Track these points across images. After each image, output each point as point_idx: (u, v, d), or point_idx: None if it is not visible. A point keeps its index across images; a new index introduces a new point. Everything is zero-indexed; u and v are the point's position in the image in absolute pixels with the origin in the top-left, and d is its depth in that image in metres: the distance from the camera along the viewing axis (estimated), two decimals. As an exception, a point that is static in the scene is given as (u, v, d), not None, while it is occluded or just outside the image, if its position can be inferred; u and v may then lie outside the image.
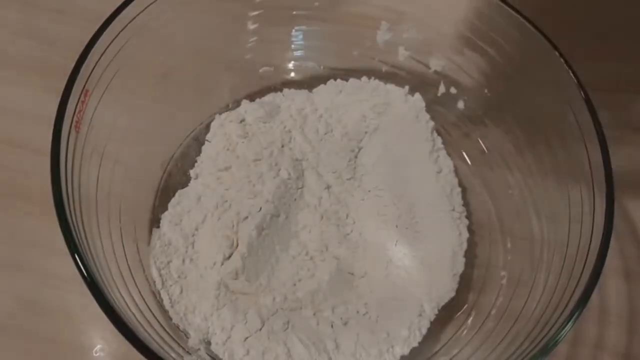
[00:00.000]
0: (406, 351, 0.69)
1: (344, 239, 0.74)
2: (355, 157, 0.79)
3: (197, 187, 0.76)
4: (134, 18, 0.65)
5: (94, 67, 0.62)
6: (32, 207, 0.74)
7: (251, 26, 0.78)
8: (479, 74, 0.75)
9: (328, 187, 0.76)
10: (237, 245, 0.72)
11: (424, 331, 0.70)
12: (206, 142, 0.78)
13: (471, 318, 0.70)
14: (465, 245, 0.75)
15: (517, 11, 0.68)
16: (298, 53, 0.83)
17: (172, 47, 0.74)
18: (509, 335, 0.62)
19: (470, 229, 0.76)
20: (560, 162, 0.66)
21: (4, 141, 0.78)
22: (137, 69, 0.68)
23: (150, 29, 0.68)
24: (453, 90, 0.79)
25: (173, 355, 0.60)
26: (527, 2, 0.69)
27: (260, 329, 0.68)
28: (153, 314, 0.65)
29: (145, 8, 0.66)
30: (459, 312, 0.71)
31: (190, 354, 0.65)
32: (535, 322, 0.60)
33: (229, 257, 0.71)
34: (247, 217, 0.73)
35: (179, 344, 0.65)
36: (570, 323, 0.55)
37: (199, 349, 0.67)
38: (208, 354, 0.67)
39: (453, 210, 0.77)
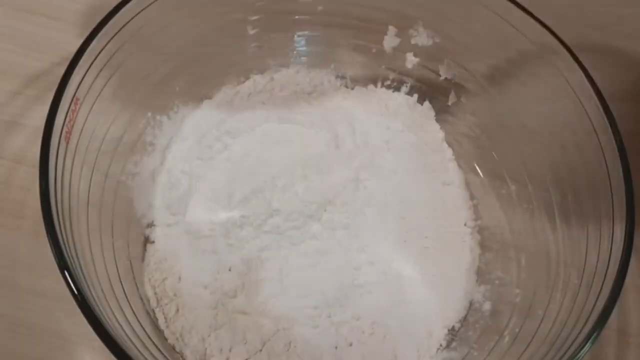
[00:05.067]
0: (414, 374, 0.69)
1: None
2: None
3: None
4: (127, 23, 0.65)
5: (85, 74, 0.61)
6: (20, 222, 0.74)
7: (251, 31, 0.78)
8: (491, 83, 0.75)
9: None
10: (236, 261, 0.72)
11: (433, 352, 0.70)
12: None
13: (483, 338, 0.69)
14: (476, 262, 0.75)
15: (533, 16, 0.68)
16: (300, 60, 0.83)
17: (168, 54, 0.74)
18: (523, 357, 0.62)
19: (482, 245, 0.76)
20: (578, 174, 0.66)
21: (-10, 153, 0.78)
22: (130, 77, 0.68)
23: (145, 34, 0.68)
24: (464, 99, 0.79)
25: (168, 377, 0.60)
26: (541, 7, 0.69)
27: (261, 350, 0.68)
28: (147, 334, 0.65)
29: (139, 13, 0.66)
30: (470, 332, 0.71)
31: (186, 376, 0.65)
32: (551, 343, 0.59)
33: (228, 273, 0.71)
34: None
35: (174, 365, 0.65)
36: (588, 344, 0.54)
37: (195, 371, 0.67)
38: (205, 376, 0.67)
39: (464, 225, 0.77)
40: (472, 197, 0.78)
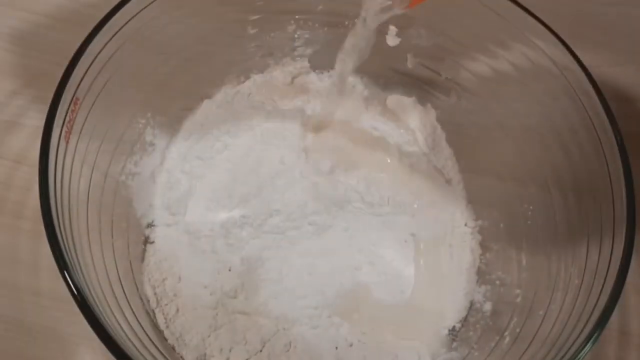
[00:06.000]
0: (415, 375, 0.69)
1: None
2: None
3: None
4: (127, 23, 0.65)
5: (85, 74, 0.61)
6: (20, 222, 0.74)
7: (251, 31, 0.78)
8: (492, 82, 0.75)
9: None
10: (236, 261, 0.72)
11: (434, 353, 0.70)
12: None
13: (483, 339, 0.69)
14: (477, 262, 0.75)
15: (534, 16, 0.68)
16: (301, 59, 0.83)
17: (168, 54, 0.74)
18: (523, 358, 0.62)
19: (482, 245, 0.76)
20: (579, 175, 0.66)
21: (-10, 153, 0.78)
22: (130, 77, 0.68)
23: (145, 34, 0.68)
24: (465, 99, 0.79)
25: (168, 378, 0.60)
26: (542, 6, 0.69)
27: (261, 351, 0.68)
28: (147, 335, 0.65)
29: (139, 12, 0.65)
30: (471, 333, 0.71)
31: (186, 376, 0.65)
32: (552, 343, 0.59)
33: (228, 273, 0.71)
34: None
35: (174, 366, 0.65)
36: (588, 345, 0.54)
37: (195, 372, 0.67)
38: (205, 377, 0.67)
39: (464, 225, 0.77)
40: (472, 197, 0.78)
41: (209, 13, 0.74)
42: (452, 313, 0.72)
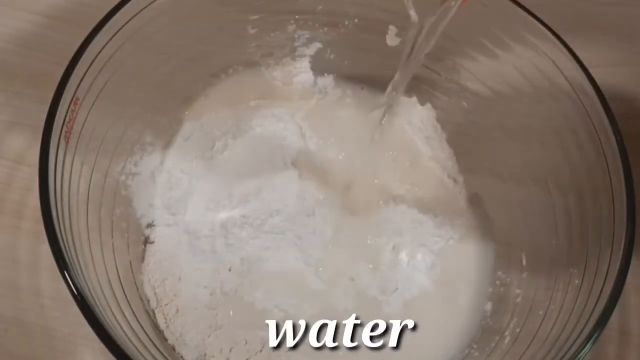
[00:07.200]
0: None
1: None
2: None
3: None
4: (127, 23, 0.64)
5: (85, 74, 0.61)
6: (20, 222, 0.74)
7: (251, 31, 0.78)
8: (492, 83, 0.75)
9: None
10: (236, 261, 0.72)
11: (436, 356, 0.70)
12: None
13: (483, 339, 0.69)
14: (477, 262, 0.75)
15: (534, 16, 0.68)
16: (300, 59, 0.83)
17: (168, 54, 0.73)
18: (523, 358, 0.62)
19: (482, 245, 0.76)
20: (579, 175, 0.66)
21: (-11, 154, 0.78)
22: (130, 77, 0.68)
23: (145, 34, 0.67)
24: (465, 99, 0.79)
25: (168, 378, 0.60)
26: (542, 6, 0.69)
27: (261, 350, 0.68)
28: (147, 335, 0.65)
29: (139, 12, 0.65)
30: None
31: (186, 376, 0.65)
32: (551, 343, 0.59)
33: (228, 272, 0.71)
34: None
35: (174, 366, 0.65)
36: (588, 345, 0.54)
37: (195, 372, 0.67)
38: (206, 377, 0.67)
39: (464, 224, 0.77)
40: (473, 197, 0.78)
41: (209, 13, 0.74)
42: (452, 314, 0.72)
